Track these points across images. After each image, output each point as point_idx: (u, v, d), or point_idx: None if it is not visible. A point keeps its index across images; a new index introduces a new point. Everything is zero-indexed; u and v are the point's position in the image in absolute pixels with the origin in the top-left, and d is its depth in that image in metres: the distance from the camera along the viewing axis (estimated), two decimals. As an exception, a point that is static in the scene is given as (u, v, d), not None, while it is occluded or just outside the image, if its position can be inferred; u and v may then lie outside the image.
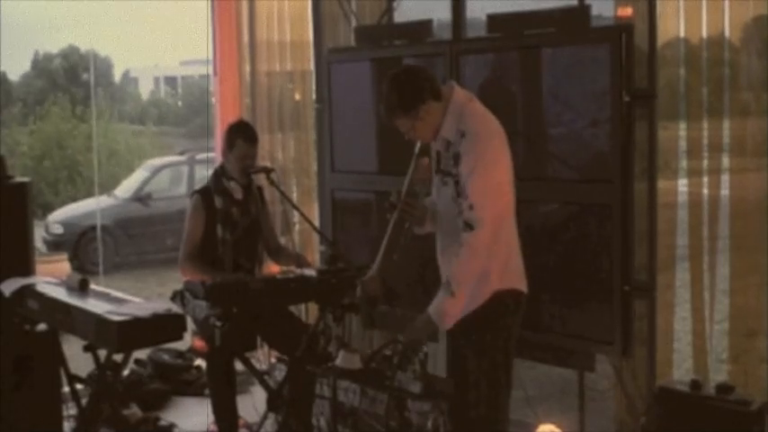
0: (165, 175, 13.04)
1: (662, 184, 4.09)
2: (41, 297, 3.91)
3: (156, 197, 12.44)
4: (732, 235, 4.05)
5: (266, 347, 5.41)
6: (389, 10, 5.26)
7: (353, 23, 5.52)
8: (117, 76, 25.20)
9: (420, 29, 4.85)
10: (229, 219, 4.32)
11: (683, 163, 4.25)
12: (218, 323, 3.59)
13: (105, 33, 32.04)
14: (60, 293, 3.90)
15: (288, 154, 6.15)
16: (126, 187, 12.90)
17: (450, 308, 3.20)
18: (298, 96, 6.11)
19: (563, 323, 4.22)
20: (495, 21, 4.42)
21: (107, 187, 13.20)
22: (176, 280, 4.45)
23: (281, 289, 3.81)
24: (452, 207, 3.27)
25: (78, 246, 11.63)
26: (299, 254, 4.69)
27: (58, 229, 12.05)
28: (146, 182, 12.66)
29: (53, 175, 16.66)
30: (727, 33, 4.01)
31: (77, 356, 3.96)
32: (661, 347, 4.15)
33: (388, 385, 3.78)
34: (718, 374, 4.24)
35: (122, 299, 3.81)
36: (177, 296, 3.84)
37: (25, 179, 4.59)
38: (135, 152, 18.11)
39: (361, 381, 3.99)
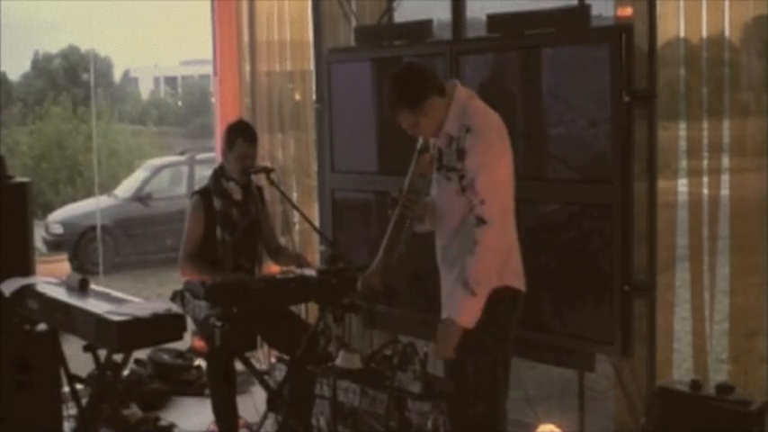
0: (165, 175, 13.05)
1: (662, 184, 4.09)
2: (41, 297, 3.91)
3: (156, 197, 12.44)
4: (732, 235, 4.04)
5: (266, 347, 5.41)
6: (389, 10, 5.26)
7: (353, 23, 5.52)
8: (117, 76, 25.24)
9: (420, 29, 4.85)
10: (229, 220, 4.32)
11: (683, 163, 4.25)
12: (218, 323, 3.59)
13: (105, 33, 32.07)
14: (60, 293, 3.90)
15: (288, 154, 6.15)
16: (126, 187, 12.91)
17: (472, 307, 3.20)
18: (298, 96, 6.11)
19: (563, 323, 4.22)
20: (495, 21, 4.42)
21: (107, 187, 13.21)
22: (176, 280, 4.45)
23: (281, 289, 3.81)
24: (455, 203, 3.28)
25: (78, 246, 11.63)
26: (299, 254, 4.70)
27: (58, 229, 12.06)
28: (146, 182, 12.67)
29: (53, 175, 16.67)
30: (727, 33, 4.00)
31: (77, 356, 3.96)
32: (661, 347, 4.15)
33: (388, 385, 3.78)
34: (718, 374, 4.24)
35: (122, 299, 3.81)
36: (177, 296, 3.84)
37: (25, 179, 4.59)
38: (135, 152, 18.12)
39: (361, 381, 3.99)
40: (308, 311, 5.13)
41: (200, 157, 12.48)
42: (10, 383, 4.13)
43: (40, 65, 22.54)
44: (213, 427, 4.52)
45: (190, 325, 3.71)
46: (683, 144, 4.23)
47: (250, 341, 4.15)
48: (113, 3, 19.22)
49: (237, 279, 3.94)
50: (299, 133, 6.09)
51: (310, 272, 3.91)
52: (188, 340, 5.25)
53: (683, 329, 4.41)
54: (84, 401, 4.06)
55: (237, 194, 4.35)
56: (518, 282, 3.37)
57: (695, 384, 3.80)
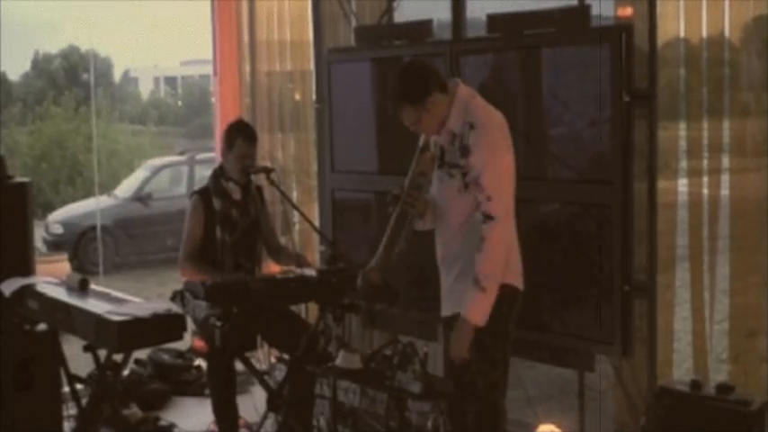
0: (165, 175, 13.05)
1: (662, 184, 4.09)
2: (41, 297, 3.91)
3: (156, 197, 12.44)
4: (732, 235, 4.04)
5: (266, 347, 5.41)
6: (389, 10, 5.26)
7: (353, 23, 5.52)
8: (117, 76, 25.22)
9: (420, 29, 4.85)
10: (228, 220, 4.32)
11: (683, 163, 4.25)
12: (218, 323, 3.58)
13: (105, 33, 32.04)
14: (60, 293, 3.90)
15: (288, 154, 6.15)
16: (126, 187, 12.91)
17: (484, 304, 3.21)
18: (298, 96, 6.11)
19: (563, 323, 4.22)
20: (495, 21, 4.42)
21: (107, 187, 13.21)
22: (176, 280, 4.45)
23: (282, 289, 3.81)
24: (457, 200, 3.29)
25: (78, 246, 11.64)
26: (299, 254, 4.69)
27: (58, 229, 12.06)
28: (146, 182, 12.67)
29: (53, 174, 16.67)
30: (727, 33, 4.00)
31: (77, 356, 3.96)
32: (661, 347, 4.15)
33: (388, 385, 3.78)
34: (718, 374, 4.24)
35: (122, 299, 3.81)
36: (177, 296, 3.84)
37: (25, 179, 4.59)
38: (135, 152, 18.11)
39: (361, 381, 3.99)
40: (308, 311, 5.14)
41: (200, 157, 12.48)
42: (10, 383, 4.13)
43: (40, 65, 22.53)
44: (213, 427, 4.52)
45: (190, 325, 3.70)
46: (683, 144, 4.23)
47: (250, 341, 4.15)
48: (113, 3, 19.22)
49: (237, 279, 3.94)
50: (299, 133, 6.09)
51: (310, 272, 3.90)
52: (188, 340, 5.26)
53: (683, 329, 4.41)
54: (84, 401, 4.06)
55: (237, 194, 4.35)
56: (517, 280, 3.38)
57: (695, 384, 3.80)
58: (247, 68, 6.12)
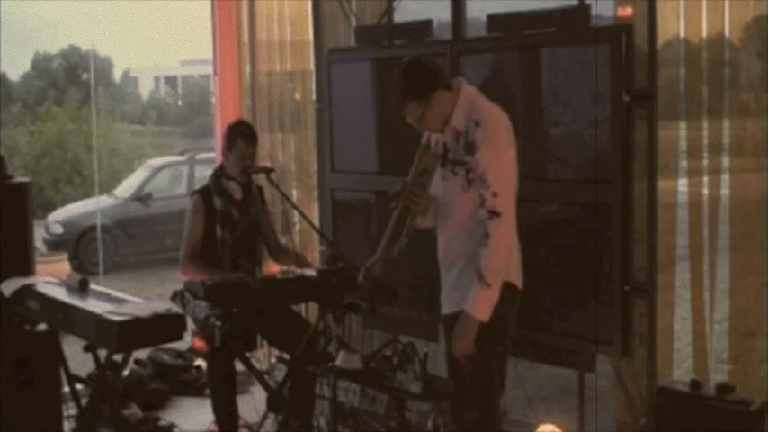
0: (164, 175, 13.04)
1: (662, 184, 4.09)
2: (41, 297, 3.91)
3: (156, 197, 12.44)
4: (732, 235, 4.04)
5: (266, 347, 5.41)
6: (389, 10, 5.26)
7: (353, 23, 5.52)
8: (117, 76, 25.22)
9: (420, 29, 4.85)
10: (229, 219, 4.33)
11: (683, 163, 4.25)
12: (218, 323, 3.58)
13: (105, 33, 32.04)
14: (60, 293, 3.90)
15: (288, 154, 6.15)
16: (126, 187, 12.91)
17: (488, 299, 3.21)
18: (298, 96, 6.11)
19: (563, 323, 4.22)
20: (495, 21, 4.42)
21: (107, 187, 13.21)
22: (176, 280, 4.45)
23: (282, 289, 3.81)
24: (460, 198, 3.29)
25: (78, 246, 11.64)
26: (299, 254, 4.70)
27: (58, 229, 12.06)
28: (146, 182, 12.67)
29: (53, 174, 16.67)
30: (727, 33, 4.00)
31: (77, 356, 3.96)
32: (661, 347, 4.15)
33: (388, 385, 3.79)
34: (718, 374, 4.24)
35: (122, 299, 3.81)
36: (177, 296, 3.84)
37: (25, 179, 4.58)
38: (135, 152, 18.12)
39: (361, 381, 3.99)
40: (308, 311, 5.14)
41: (200, 157, 12.48)
42: (10, 383, 4.13)
43: (40, 65, 22.52)
44: (213, 427, 4.52)
45: (190, 325, 3.70)
46: (683, 144, 4.23)
47: (250, 341, 4.15)
48: (113, 3, 19.24)
49: (237, 279, 3.94)
50: (299, 133, 6.09)
51: (310, 272, 3.90)
52: (188, 340, 5.26)
53: (683, 329, 4.41)
54: (84, 401, 4.06)
55: (238, 194, 4.36)
56: (516, 278, 3.38)
57: (695, 384, 3.80)
58: (247, 68, 6.12)
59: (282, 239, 4.79)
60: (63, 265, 8.85)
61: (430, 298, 3.65)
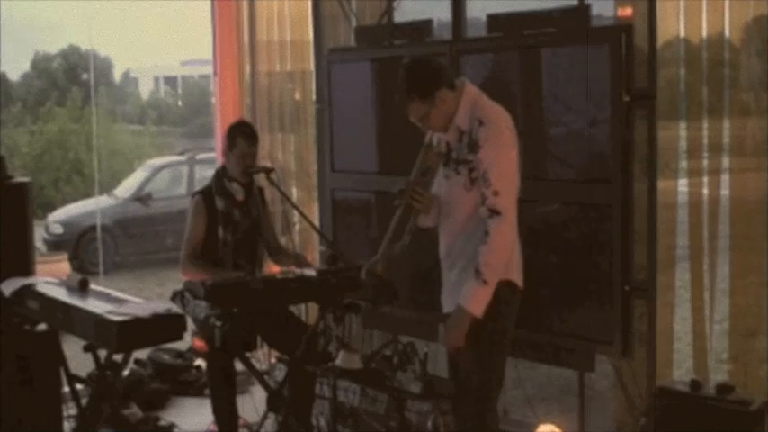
0: (164, 175, 13.04)
1: (662, 184, 4.09)
2: (41, 297, 3.91)
3: (155, 197, 12.44)
4: (732, 235, 4.04)
5: (266, 347, 5.41)
6: (389, 10, 5.26)
7: (353, 23, 5.52)
8: (117, 76, 25.22)
9: (420, 29, 4.85)
10: (230, 220, 4.33)
11: (683, 163, 4.25)
12: (218, 323, 3.59)
13: (105, 33, 31.99)
14: (60, 293, 3.90)
15: (288, 154, 6.15)
16: (126, 187, 12.90)
17: (483, 296, 3.22)
18: (298, 96, 6.11)
19: (563, 323, 4.22)
20: (495, 21, 4.42)
21: (107, 187, 13.21)
22: (176, 280, 4.46)
23: (281, 289, 3.81)
24: (463, 197, 3.30)
25: (78, 246, 11.64)
26: (299, 254, 4.70)
27: (58, 229, 12.06)
28: (146, 182, 12.67)
29: (54, 174, 16.66)
30: (727, 33, 4.01)
31: (77, 356, 3.96)
32: (661, 347, 4.15)
33: (388, 385, 3.79)
34: (718, 374, 4.24)
35: (122, 299, 3.81)
36: (177, 296, 3.84)
37: (25, 179, 4.59)
38: (135, 152, 18.11)
39: (361, 381, 4.00)
40: (308, 311, 5.14)
41: (200, 157, 12.48)
42: (10, 383, 4.13)
43: (40, 65, 22.51)
44: (213, 427, 4.52)
45: (190, 325, 3.71)
46: (683, 144, 4.23)
47: (250, 341, 4.15)
48: (113, 3, 19.23)
49: (238, 279, 3.94)
50: (299, 133, 6.10)
51: (310, 272, 3.91)
52: (188, 340, 5.26)
53: (683, 329, 4.41)
54: (84, 401, 4.06)
55: (240, 195, 4.36)
56: (517, 277, 3.39)
57: (695, 384, 3.80)
58: (247, 68, 6.12)
59: (282, 239, 4.79)
60: (63, 265, 8.84)
61: (430, 298, 3.64)
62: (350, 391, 4.37)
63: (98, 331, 3.50)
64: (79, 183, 16.25)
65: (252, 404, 4.68)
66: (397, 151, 4.79)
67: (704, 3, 4.01)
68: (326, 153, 5.38)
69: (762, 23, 3.89)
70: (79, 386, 4.17)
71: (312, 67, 5.80)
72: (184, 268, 4.30)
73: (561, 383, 5.20)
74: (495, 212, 3.19)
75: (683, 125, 4.23)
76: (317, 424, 4.35)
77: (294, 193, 6.00)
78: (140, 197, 12.41)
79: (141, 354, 5.60)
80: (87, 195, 13.60)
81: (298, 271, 3.95)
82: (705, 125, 4.15)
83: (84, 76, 20.72)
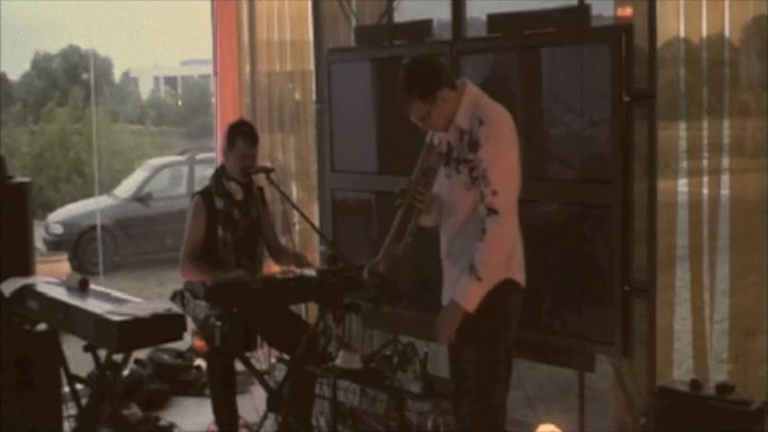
0: (164, 175, 13.04)
1: (662, 184, 4.09)
2: (41, 297, 3.91)
3: (156, 197, 12.44)
4: (732, 235, 4.05)
5: (266, 347, 5.41)
6: (389, 10, 5.26)
7: (353, 23, 5.52)
8: (117, 76, 25.23)
9: (420, 29, 4.85)
10: (230, 220, 4.33)
11: (683, 163, 4.25)
12: (218, 323, 3.59)
13: (105, 33, 32.00)
14: (60, 293, 3.90)
15: (288, 154, 6.15)
16: (126, 187, 12.90)
17: (476, 292, 3.22)
18: (298, 96, 6.11)
19: (563, 323, 4.22)
20: (495, 21, 4.42)
21: (107, 187, 13.20)
22: (176, 280, 4.45)
23: (282, 289, 3.81)
24: (464, 196, 3.30)
25: (78, 246, 11.64)
26: (299, 254, 4.70)
27: (58, 229, 12.06)
28: (146, 182, 12.67)
29: (54, 174, 16.66)
30: (727, 33, 4.01)
31: (77, 356, 3.96)
32: (661, 347, 4.15)
33: (388, 385, 3.79)
34: (718, 374, 4.24)
35: (122, 299, 3.81)
36: (177, 296, 3.84)
37: (25, 179, 4.59)
38: (135, 152, 18.11)
39: (361, 381, 3.99)
40: (308, 311, 5.14)
41: (200, 157, 12.48)
42: (10, 383, 4.13)
43: (40, 65, 22.51)
44: (213, 427, 4.52)
45: (190, 325, 3.71)
46: (683, 144, 4.24)
47: (250, 341, 4.15)
48: (113, 3, 19.24)
49: (237, 279, 3.94)
50: (299, 133, 6.10)
51: (310, 272, 3.90)
52: (188, 340, 5.26)
53: (683, 329, 4.41)
54: (84, 401, 4.06)
55: (239, 195, 4.35)
56: (520, 276, 3.39)
57: (695, 384, 3.80)
58: (247, 68, 6.12)
59: (282, 239, 4.79)
60: (63, 265, 8.83)
61: (430, 298, 3.64)
62: (350, 391, 4.37)
63: (98, 331, 3.50)
64: (79, 183, 16.25)
65: (252, 404, 4.68)
66: (397, 151, 4.79)
67: (704, 3, 4.01)
68: (326, 153, 5.38)
69: (762, 23, 3.89)
70: (79, 386, 4.17)
71: (312, 66, 5.80)
72: (183, 269, 4.30)
73: (561, 383, 5.20)
74: (492, 211, 3.20)
75: (683, 125, 4.23)
76: (317, 424, 4.35)
77: (294, 193, 6.00)
78: (140, 197, 12.41)
79: (141, 354, 5.60)
80: (87, 195, 13.60)
81: (298, 271, 3.95)
82: (705, 125, 4.15)
83: (85, 76, 20.73)
